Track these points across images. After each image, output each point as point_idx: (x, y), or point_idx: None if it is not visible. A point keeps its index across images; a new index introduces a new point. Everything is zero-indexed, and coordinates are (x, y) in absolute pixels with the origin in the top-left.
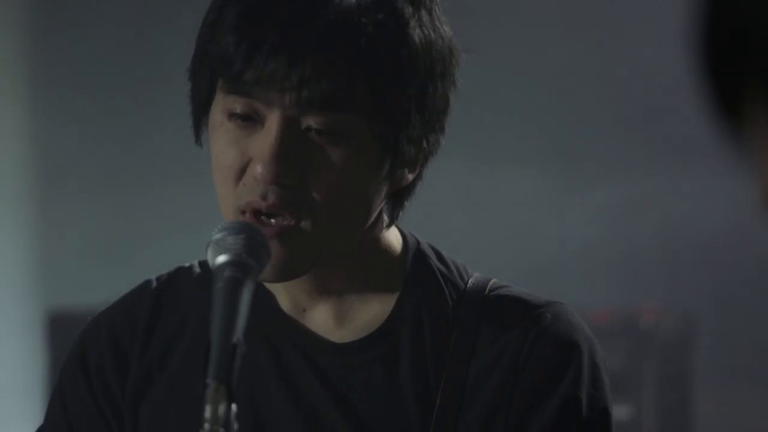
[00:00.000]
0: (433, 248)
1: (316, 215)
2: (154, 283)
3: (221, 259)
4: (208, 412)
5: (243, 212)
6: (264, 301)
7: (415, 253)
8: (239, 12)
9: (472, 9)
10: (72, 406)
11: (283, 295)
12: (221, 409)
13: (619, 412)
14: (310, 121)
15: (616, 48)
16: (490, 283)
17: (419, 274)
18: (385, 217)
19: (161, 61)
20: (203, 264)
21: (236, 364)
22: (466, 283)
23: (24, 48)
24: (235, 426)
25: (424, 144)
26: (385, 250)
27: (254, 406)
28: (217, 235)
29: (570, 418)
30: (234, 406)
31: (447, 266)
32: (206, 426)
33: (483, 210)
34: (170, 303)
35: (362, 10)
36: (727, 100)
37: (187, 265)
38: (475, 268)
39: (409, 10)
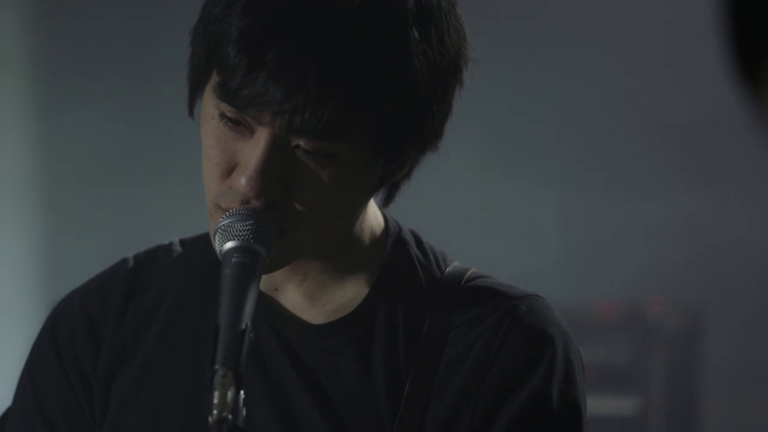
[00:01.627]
0: (414, 235)
1: (298, 226)
2: (131, 261)
3: (229, 245)
4: (216, 398)
5: (220, 207)
6: None
7: (395, 240)
8: (244, 25)
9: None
10: (41, 382)
11: None
12: (230, 394)
13: (626, 405)
14: (300, 142)
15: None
16: (468, 272)
17: (397, 260)
18: (373, 205)
19: (167, 56)
20: (184, 242)
21: (244, 349)
22: (443, 272)
23: (28, 41)
24: (244, 412)
25: (420, 155)
26: (365, 235)
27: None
28: (225, 222)
29: (539, 412)
30: (242, 392)
31: (425, 254)
32: (214, 412)
33: (495, 204)
34: (146, 281)
35: (366, 43)
36: (749, 68)
37: (166, 243)
38: (485, 257)
39: (415, 36)
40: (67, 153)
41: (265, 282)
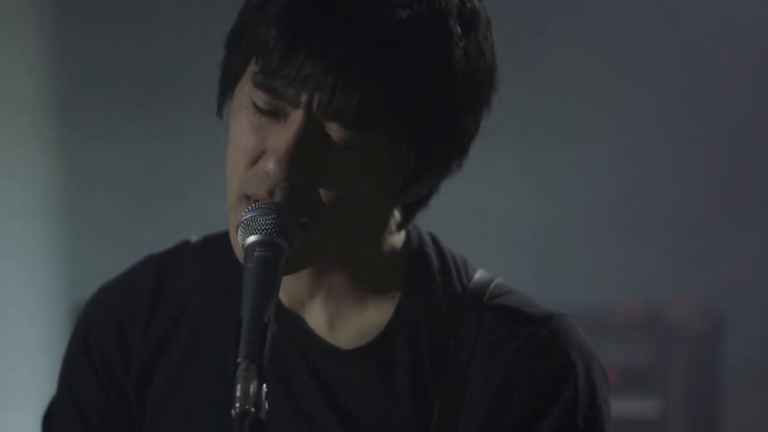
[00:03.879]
0: (435, 244)
1: (320, 217)
2: (156, 261)
3: (252, 239)
4: (238, 391)
5: (247, 197)
6: None
7: (416, 256)
8: (286, 4)
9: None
10: (78, 388)
11: (283, 290)
12: (252, 387)
13: (647, 407)
14: (332, 129)
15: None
16: (491, 286)
17: (418, 277)
18: (393, 225)
19: (184, 62)
20: (207, 240)
21: (267, 343)
22: (466, 288)
23: (45, 47)
24: (266, 405)
25: (444, 168)
26: (387, 254)
27: None
28: (247, 216)
29: None
30: (265, 386)
31: (446, 266)
32: (237, 405)
33: (515, 199)
34: (171, 283)
35: (411, 27)
36: None
37: (190, 241)
38: (508, 257)
39: (458, 31)
40: (87, 161)
41: (290, 298)
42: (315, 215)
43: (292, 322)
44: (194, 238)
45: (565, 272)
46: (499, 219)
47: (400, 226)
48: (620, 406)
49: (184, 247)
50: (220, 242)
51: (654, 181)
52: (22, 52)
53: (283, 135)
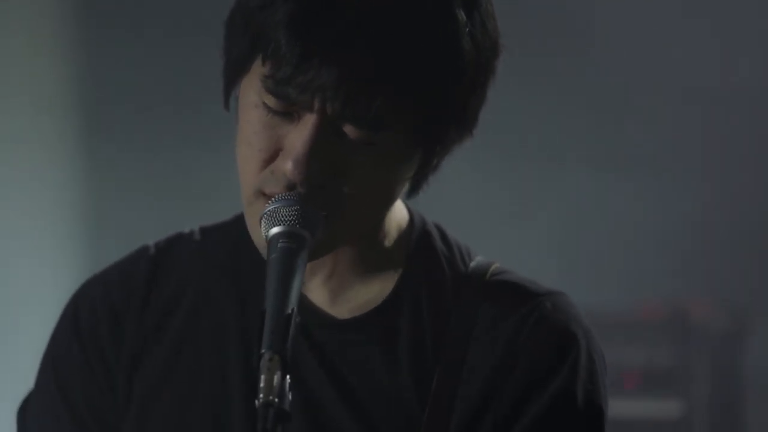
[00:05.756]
0: (438, 228)
1: (341, 211)
2: (152, 250)
3: (275, 230)
4: (262, 382)
5: (263, 194)
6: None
7: (420, 233)
8: (293, 10)
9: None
10: (64, 372)
11: None
12: (276, 379)
13: (669, 408)
14: (348, 130)
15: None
16: (492, 267)
17: (422, 254)
18: (402, 194)
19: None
20: (204, 231)
21: (291, 334)
22: (468, 266)
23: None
24: (290, 397)
25: (456, 141)
26: (392, 228)
27: (250, 376)
28: (271, 207)
29: (563, 411)
30: (288, 377)
31: (450, 248)
32: (261, 396)
33: (538, 202)
34: (167, 270)
35: (418, 22)
36: None
37: (187, 231)
38: (526, 254)
39: (462, 17)
40: (111, 162)
41: None
42: (336, 209)
43: None
44: (189, 229)
45: (587, 273)
46: (523, 218)
47: (409, 195)
48: (642, 407)
49: (179, 237)
50: (217, 230)
51: (679, 181)
52: (47, 53)
53: (298, 136)
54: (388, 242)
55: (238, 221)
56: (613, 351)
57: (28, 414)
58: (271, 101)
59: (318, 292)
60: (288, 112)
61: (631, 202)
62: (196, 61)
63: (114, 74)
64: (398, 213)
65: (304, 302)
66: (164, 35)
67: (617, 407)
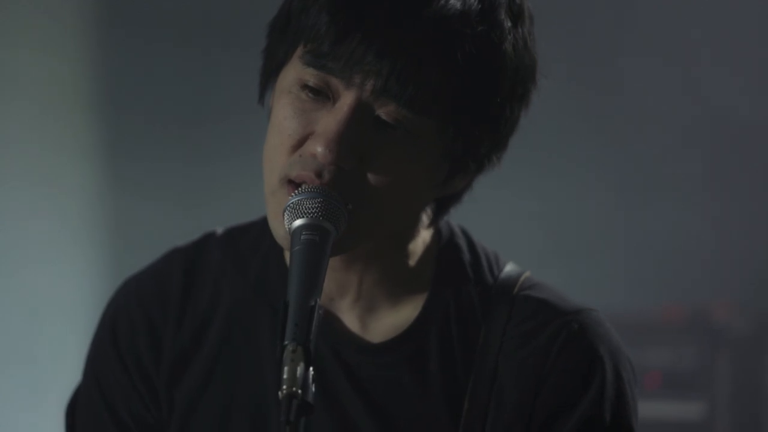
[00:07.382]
0: (466, 236)
1: (364, 201)
2: (182, 255)
3: (298, 222)
4: (285, 373)
5: (289, 181)
6: None
7: (446, 246)
8: None
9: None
10: (107, 385)
11: None
12: (299, 370)
13: (691, 410)
14: (383, 112)
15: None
16: (521, 279)
17: (449, 272)
18: (425, 218)
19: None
20: (232, 234)
21: (314, 326)
22: (496, 277)
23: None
24: (313, 388)
25: (486, 161)
26: (418, 248)
27: None
28: (294, 200)
29: None
30: (312, 369)
31: (477, 258)
32: (284, 387)
33: (563, 205)
34: (200, 279)
35: (465, 19)
36: None
37: (216, 233)
38: (551, 259)
39: (508, 24)
40: (133, 169)
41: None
42: (361, 200)
43: (324, 318)
44: (218, 230)
45: (609, 275)
46: (541, 221)
47: (432, 222)
48: (664, 409)
49: (208, 239)
50: (245, 235)
51: (699, 183)
52: (69, 58)
53: (333, 117)
54: (413, 261)
55: (265, 224)
56: (636, 353)
57: (77, 419)
58: (309, 75)
59: (348, 315)
60: (323, 93)
61: (653, 203)
62: (222, 69)
63: (140, 81)
64: (424, 232)
65: (336, 325)
66: (183, 44)
67: (639, 409)
